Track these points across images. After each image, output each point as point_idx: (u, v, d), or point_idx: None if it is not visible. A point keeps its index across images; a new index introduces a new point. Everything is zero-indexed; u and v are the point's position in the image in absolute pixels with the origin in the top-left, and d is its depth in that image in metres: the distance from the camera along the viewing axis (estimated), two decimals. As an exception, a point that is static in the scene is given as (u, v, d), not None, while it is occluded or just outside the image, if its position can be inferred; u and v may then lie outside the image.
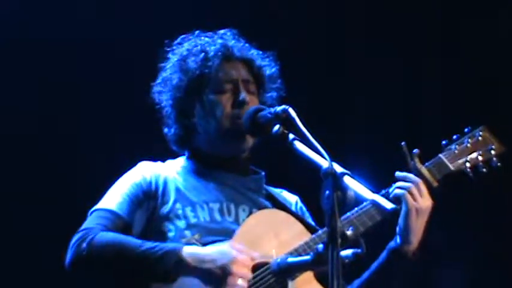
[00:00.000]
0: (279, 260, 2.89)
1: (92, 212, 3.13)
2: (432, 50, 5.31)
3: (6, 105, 4.78)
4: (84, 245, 2.97)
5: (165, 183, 3.18)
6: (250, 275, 2.93)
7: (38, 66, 4.79)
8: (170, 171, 3.24)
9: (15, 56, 4.78)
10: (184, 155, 3.35)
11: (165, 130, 3.33)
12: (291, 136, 2.75)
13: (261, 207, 3.23)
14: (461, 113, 4.31)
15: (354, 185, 2.49)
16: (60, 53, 4.81)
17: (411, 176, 3.19)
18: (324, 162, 2.54)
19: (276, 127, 2.80)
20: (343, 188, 2.48)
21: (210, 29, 3.37)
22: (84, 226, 3.07)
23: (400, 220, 3.14)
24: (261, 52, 3.35)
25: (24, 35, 4.81)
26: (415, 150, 3.26)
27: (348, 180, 2.50)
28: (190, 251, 2.94)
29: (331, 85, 5.16)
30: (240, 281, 2.90)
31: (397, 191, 3.15)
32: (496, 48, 5.15)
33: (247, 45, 3.34)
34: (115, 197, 3.14)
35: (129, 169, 3.25)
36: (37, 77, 4.81)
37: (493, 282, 5.14)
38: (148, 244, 2.95)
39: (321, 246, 2.62)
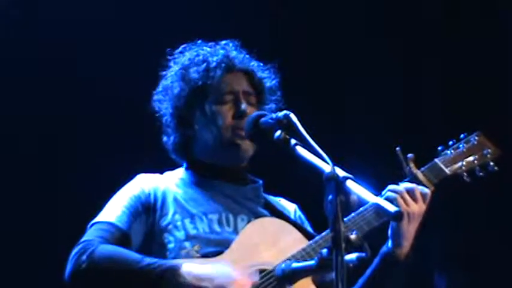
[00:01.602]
0: (283, 265, 2.89)
1: (91, 225, 3.13)
2: (432, 49, 5.33)
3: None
4: (84, 257, 2.96)
5: (164, 196, 3.19)
6: None
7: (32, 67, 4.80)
8: (169, 183, 3.25)
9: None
10: (182, 165, 3.36)
11: (164, 139, 3.35)
12: (293, 141, 2.75)
13: (259, 216, 3.23)
14: (463, 116, 4.31)
15: (357, 189, 2.50)
16: (55, 57, 4.83)
17: (406, 183, 3.21)
18: (326, 167, 2.54)
19: (278, 133, 2.79)
20: (346, 192, 2.49)
21: (211, 35, 3.39)
22: (83, 238, 3.06)
23: (392, 224, 3.17)
24: (261, 64, 3.38)
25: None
26: (410, 155, 3.28)
27: (350, 184, 2.50)
28: (189, 269, 2.93)
29: (332, 88, 5.18)
30: None
31: (389, 193, 3.16)
32: (497, 48, 5.19)
33: (248, 56, 3.36)
34: (115, 210, 3.14)
35: (127, 182, 3.25)
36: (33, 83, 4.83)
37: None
38: (148, 260, 2.95)
39: (325, 250, 2.61)
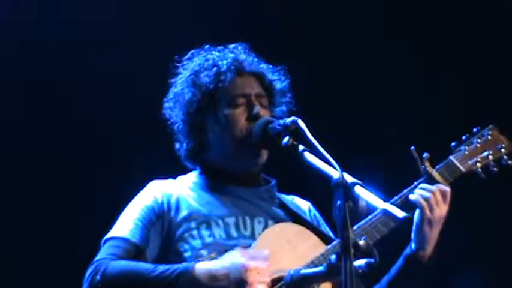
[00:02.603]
0: (292, 271, 2.87)
1: (105, 241, 3.13)
2: (435, 47, 5.30)
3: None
4: (98, 277, 2.97)
5: (178, 202, 3.18)
6: (267, 279, 2.90)
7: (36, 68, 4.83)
8: (182, 188, 3.24)
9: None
10: (195, 169, 3.34)
11: (177, 146, 3.33)
12: (301, 147, 2.76)
13: (275, 217, 3.23)
14: (477, 112, 4.26)
15: (365, 195, 2.50)
16: (63, 58, 4.87)
17: (430, 186, 3.18)
18: (334, 173, 2.54)
19: (286, 139, 2.80)
20: (355, 198, 2.49)
21: (210, 36, 3.39)
22: (97, 257, 3.07)
23: (414, 228, 3.16)
24: (271, 66, 3.36)
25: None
26: (425, 154, 3.26)
27: (359, 190, 2.50)
28: (203, 269, 2.92)
29: (332, 89, 5.17)
30: (259, 287, 2.88)
31: (414, 196, 3.15)
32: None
33: (257, 59, 3.34)
34: (127, 223, 3.14)
35: (140, 189, 3.25)
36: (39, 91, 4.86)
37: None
38: (161, 268, 2.95)
39: (333, 257, 2.62)
